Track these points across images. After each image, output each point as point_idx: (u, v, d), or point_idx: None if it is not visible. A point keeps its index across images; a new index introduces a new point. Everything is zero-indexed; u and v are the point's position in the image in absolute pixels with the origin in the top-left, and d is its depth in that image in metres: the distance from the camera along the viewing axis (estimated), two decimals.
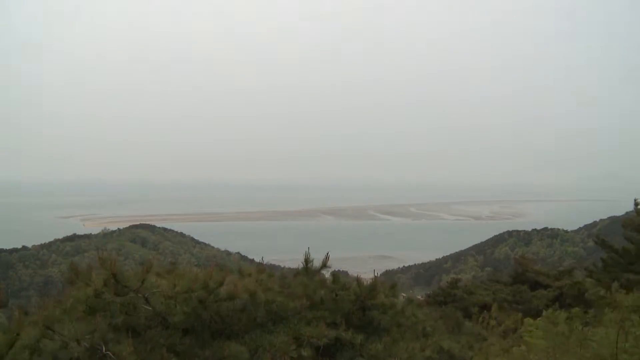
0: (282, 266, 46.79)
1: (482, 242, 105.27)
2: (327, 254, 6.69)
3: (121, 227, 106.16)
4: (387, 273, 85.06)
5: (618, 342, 4.36)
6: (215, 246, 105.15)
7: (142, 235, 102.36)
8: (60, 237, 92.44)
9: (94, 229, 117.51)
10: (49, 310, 3.63)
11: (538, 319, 5.65)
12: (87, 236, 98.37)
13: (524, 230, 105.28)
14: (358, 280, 6.40)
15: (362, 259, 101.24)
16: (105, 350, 3.39)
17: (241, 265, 6.62)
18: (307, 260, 6.63)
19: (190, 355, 4.02)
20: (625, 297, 4.70)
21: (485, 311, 11.65)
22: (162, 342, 3.85)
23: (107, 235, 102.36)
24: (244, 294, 4.63)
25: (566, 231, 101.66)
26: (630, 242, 12.16)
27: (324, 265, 6.61)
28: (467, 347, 7.10)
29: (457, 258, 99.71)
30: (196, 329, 4.34)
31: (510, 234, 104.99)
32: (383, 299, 6.28)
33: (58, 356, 3.30)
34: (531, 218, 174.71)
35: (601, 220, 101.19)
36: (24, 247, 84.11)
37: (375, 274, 7.29)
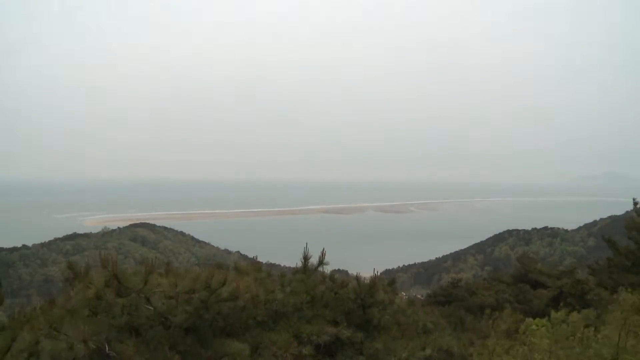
0: (282, 265, 46.83)
1: (482, 241, 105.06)
2: (323, 250, 6.68)
3: (121, 226, 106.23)
4: (387, 272, 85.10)
5: (620, 342, 4.35)
6: (215, 245, 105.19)
7: (142, 234, 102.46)
8: (61, 235, 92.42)
9: (94, 227, 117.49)
10: (53, 310, 3.61)
11: (538, 319, 5.63)
12: (87, 235, 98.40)
13: (524, 230, 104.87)
14: (358, 278, 6.40)
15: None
16: (108, 350, 3.38)
17: (239, 264, 6.61)
18: (305, 257, 6.63)
19: (192, 353, 4.02)
20: (627, 297, 4.68)
21: (487, 311, 11.64)
22: (164, 341, 3.84)
23: (107, 234, 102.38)
24: (246, 293, 4.62)
25: (566, 230, 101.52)
26: (634, 243, 12.14)
27: (321, 262, 6.62)
28: (468, 344, 7.10)
29: (457, 257, 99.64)
30: (198, 328, 4.34)
31: (510, 233, 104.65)
32: (382, 296, 6.29)
33: (59, 358, 3.28)
34: (530, 217, 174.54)
35: (601, 219, 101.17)
36: (24, 246, 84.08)
37: (376, 272, 7.29)
